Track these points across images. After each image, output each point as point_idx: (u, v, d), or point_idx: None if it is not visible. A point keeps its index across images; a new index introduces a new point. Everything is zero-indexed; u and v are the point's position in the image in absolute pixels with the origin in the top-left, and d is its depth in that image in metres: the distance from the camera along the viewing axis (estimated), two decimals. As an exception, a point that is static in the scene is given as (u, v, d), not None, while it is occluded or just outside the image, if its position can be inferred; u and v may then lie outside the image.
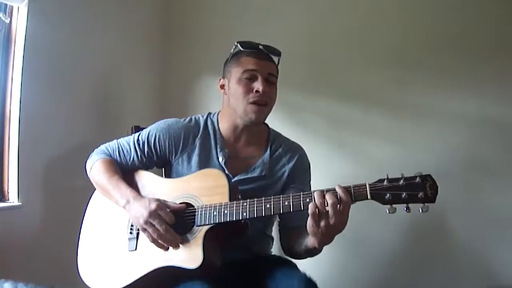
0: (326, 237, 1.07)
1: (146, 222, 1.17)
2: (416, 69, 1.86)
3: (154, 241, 1.19)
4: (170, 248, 1.18)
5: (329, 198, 1.03)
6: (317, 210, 1.04)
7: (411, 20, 1.89)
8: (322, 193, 1.05)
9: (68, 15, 1.80)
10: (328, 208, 1.03)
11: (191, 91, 2.28)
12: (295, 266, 1.32)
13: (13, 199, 1.67)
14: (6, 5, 1.64)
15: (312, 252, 1.20)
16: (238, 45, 1.33)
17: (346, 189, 1.04)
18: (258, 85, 1.27)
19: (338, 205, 1.03)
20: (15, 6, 1.66)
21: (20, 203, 1.66)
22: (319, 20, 2.05)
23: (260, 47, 1.32)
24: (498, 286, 1.72)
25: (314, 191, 1.07)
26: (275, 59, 1.36)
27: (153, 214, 1.16)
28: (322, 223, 1.04)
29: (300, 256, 1.29)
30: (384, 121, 1.91)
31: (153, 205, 1.17)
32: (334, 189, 1.05)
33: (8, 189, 1.68)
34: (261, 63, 1.30)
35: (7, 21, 1.64)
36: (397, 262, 1.89)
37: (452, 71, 1.80)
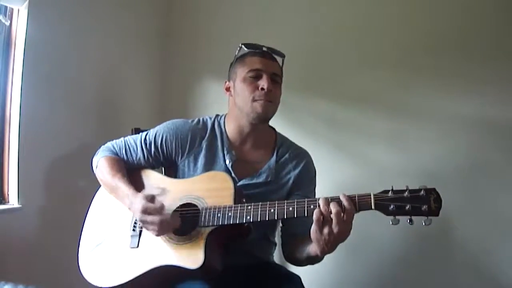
0: (328, 245, 1.07)
1: (143, 221, 1.18)
2: (417, 71, 1.85)
3: (158, 235, 1.19)
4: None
5: (333, 207, 1.04)
6: (321, 217, 1.04)
7: (411, 22, 1.89)
8: (328, 201, 1.06)
9: (68, 17, 1.80)
10: (332, 216, 1.03)
11: (191, 93, 2.28)
12: (299, 281, 1.32)
13: (13, 201, 1.67)
14: (6, 7, 1.64)
15: (313, 260, 1.20)
16: (243, 46, 1.34)
17: (351, 198, 1.05)
18: (263, 83, 1.27)
19: (342, 214, 1.03)
20: (15, 9, 1.66)
21: (20, 206, 1.65)
22: (319, 22, 2.05)
23: (264, 48, 1.33)
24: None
25: (319, 198, 1.08)
26: (279, 60, 1.37)
27: (145, 210, 1.16)
28: (326, 230, 1.04)
29: (300, 263, 1.29)
30: (384, 123, 1.91)
31: (141, 203, 1.17)
32: (339, 198, 1.06)
33: (8, 192, 1.68)
34: (266, 62, 1.31)
35: (7, 23, 1.64)
36: (398, 266, 1.88)
37: (453, 72, 1.80)
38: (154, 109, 2.28)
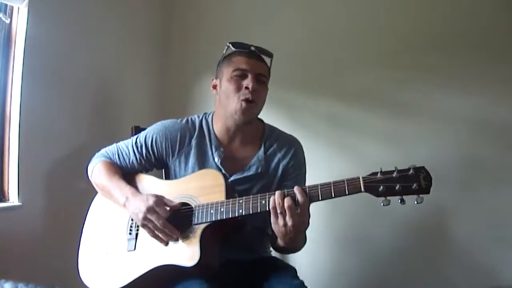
0: (287, 236, 1.11)
1: (145, 218, 1.19)
2: (415, 69, 1.86)
3: (155, 236, 1.21)
4: (169, 246, 1.20)
5: (286, 201, 1.08)
6: (275, 208, 1.09)
7: (411, 20, 1.89)
8: (283, 194, 1.10)
9: (68, 16, 1.81)
10: (286, 210, 1.08)
11: (190, 92, 2.28)
12: (293, 272, 1.33)
13: (13, 199, 1.67)
14: (6, 5, 1.65)
15: (287, 250, 1.25)
16: (230, 45, 1.34)
17: (304, 190, 1.08)
18: (247, 82, 1.28)
19: (296, 207, 1.07)
20: (15, 7, 1.67)
21: (20, 203, 1.66)
22: (318, 21, 2.05)
23: (252, 48, 1.33)
24: (497, 286, 1.72)
25: (276, 192, 1.11)
26: (267, 60, 1.36)
27: (150, 209, 1.19)
28: (281, 222, 1.09)
29: (282, 252, 1.36)
30: (383, 121, 1.92)
31: (151, 201, 1.20)
32: (293, 191, 1.09)
33: (8, 189, 1.68)
34: (252, 62, 1.31)
35: (7, 21, 1.65)
36: (396, 262, 1.89)
37: (451, 71, 1.81)
38: (154, 107, 2.28)
